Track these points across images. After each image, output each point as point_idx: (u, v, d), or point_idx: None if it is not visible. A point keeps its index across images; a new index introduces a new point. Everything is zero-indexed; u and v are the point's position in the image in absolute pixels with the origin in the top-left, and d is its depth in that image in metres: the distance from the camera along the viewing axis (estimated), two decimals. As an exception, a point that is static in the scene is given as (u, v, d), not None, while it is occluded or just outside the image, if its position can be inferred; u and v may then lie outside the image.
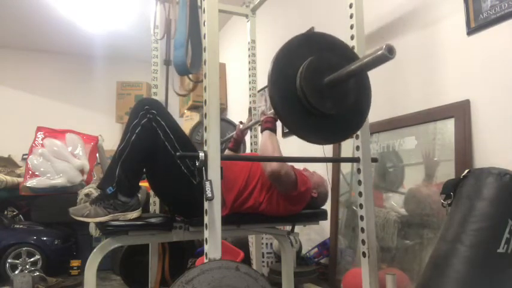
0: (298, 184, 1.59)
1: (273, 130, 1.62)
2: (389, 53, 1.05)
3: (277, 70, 1.27)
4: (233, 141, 2.16)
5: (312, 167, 1.94)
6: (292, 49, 1.31)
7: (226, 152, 2.17)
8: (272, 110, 1.62)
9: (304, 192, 1.63)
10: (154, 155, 1.51)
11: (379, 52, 1.07)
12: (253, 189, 1.61)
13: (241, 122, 2.30)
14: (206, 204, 1.23)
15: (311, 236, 2.75)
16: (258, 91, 2.63)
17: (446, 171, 1.74)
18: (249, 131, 2.48)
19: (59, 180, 3.20)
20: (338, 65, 1.28)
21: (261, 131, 1.66)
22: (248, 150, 2.53)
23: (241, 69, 3.76)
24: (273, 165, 1.51)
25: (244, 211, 1.61)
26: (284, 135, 3.11)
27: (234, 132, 2.19)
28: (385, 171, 2.10)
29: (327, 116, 1.30)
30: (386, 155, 2.10)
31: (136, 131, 1.48)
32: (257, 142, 2.48)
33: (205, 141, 1.27)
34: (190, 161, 1.51)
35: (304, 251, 2.54)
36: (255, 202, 1.60)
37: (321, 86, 1.27)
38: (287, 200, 1.61)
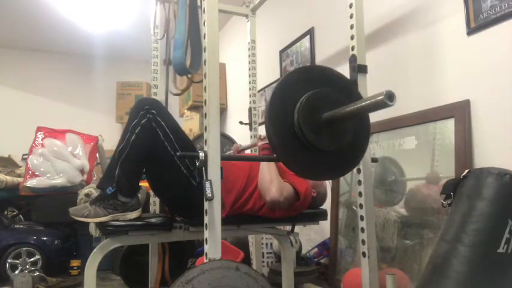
0: (300, 196, 1.59)
1: None
2: (389, 100, 1.03)
3: (274, 105, 1.24)
4: None
5: (312, 167, 1.94)
6: (290, 83, 1.28)
7: None
8: None
9: (305, 199, 1.63)
10: (154, 155, 1.51)
11: (379, 98, 1.05)
12: (253, 192, 1.61)
13: (241, 123, 2.30)
14: (206, 204, 1.23)
15: (311, 236, 2.75)
16: (258, 91, 2.64)
17: (446, 172, 1.74)
18: (249, 131, 2.49)
19: (59, 180, 3.19)
20: (336, 101, 1.26)
21: None
22: (247, 151, 2.53)
23: (241, 69, 3.76)
24: (272, 194, 1.51)
25: (244, 213, 1.61)
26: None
27: (231, 151, 2.20)
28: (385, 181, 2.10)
29: (324, 152, 1.28)
30: (386, 156, 2.10)
31: (136, 131, 1.47)
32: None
33: (205, 141, 1.27)
34: (189, 161, 1.51)
35: (304, 251, 2.54)
36: (253, 205, 1.60)
37: (319, 122, 1.24)
38: (288, 208, 1.61)
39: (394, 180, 2.05)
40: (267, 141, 1.61)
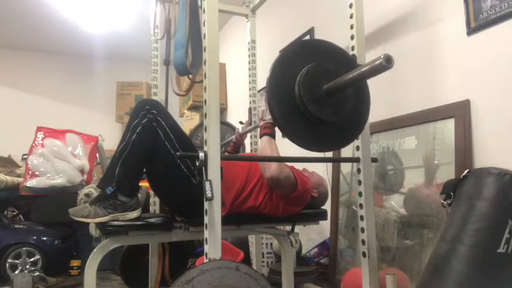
0: (298, 186, 1.58)
1: (272, 136, 1.62)
2: (387, 63, 1.05)
3: (275, 78, 1.25)
4: (232, 145, 2.16)
5: (312, 167, 1.94)
6: (290, 57, 1.29)
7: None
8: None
9: (304, 193, 1.63)
10: (155, 155, 1.51)
11: (377, 62, 1.07)
12: (252, 190, 1.61)
13: (241, 122, 2.29)
14: (206, 204, 1.23)
15: (311, 236, 2.75)
16: (258, 91, 2.63)
17: (446, 172, 1.74)
18: (248, 134, 2.48)
19: (59, 180, 3.19)
20: (336, 72, 1.27)
21: (260, 137, 1.66)
22: (248, 150, 2.53)
23: (241, 69, 3.76)
24: (272, 170, 1.50)
25: (244, 212, 1.61)
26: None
27: (234, 136, 2.19)
28: (385, 173, 2.10)
29: (326, 124, 1.29)
30: (386, 155, 2.10)
31: (137, 131, 1.48)
32: (257, 142, 2.48)
33: (205, 141, 1.27)
34: (190, 160, 1.51)
35: (304, 251, 2.53)
36: (254, 203, 1.60)
37: (319, 94, 1.26)
38: (287, 201, 1.61)
39: (393, 169, 2.05)
40: (269, 121, 1.62)
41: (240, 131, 2.19)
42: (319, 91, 1.27)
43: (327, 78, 1.27)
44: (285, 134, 1.29)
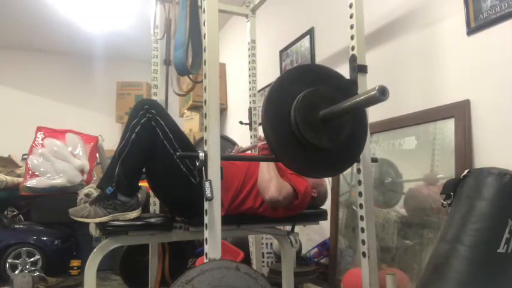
0: (299, 196, 1.59)
1: None
2: (381, 95, 1.04)
3: (271, 104, 1.24)
4: None
5: (312, 167, 1.94)
6: (286, 82, 1.28)
7: None
8: None
9: (305, 199, 1.63)
10: (154, 155, 1.51)
11: (372, 93, 1.06)
12: (251, 191, 1.61)
13: (241, 122, 2.29)
14: (206, 204, 1.23)
15: (311, 236, 2.75)
16: (258, 91, 2.63)
17: (446, 172, 1.74)
18: (249, 131, 2.49)
19: (59, 180, 3.19)
20: (333, 98, 1.26)
21: None
22: (248, 152, 2.53)
23: (241, 69, 3.76)
24: (271, 193, 1.50)
25: (243, 213, 1.61)
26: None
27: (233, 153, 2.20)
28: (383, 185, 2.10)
29: (322, 150, 1.28)
30: (384, 167, 2.10)
31: (136, 130, 1.48)
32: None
33: (205, 141, 1.27)
34: (189, 160, 1.51)
35: (304, 251, 2.53)
36: (253, 204, 1.60)
37: (315, 120, 1.25)
38: (287, 208, 1.61)
39: (391, 182, 2.05)
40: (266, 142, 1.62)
41: (239, 149, 2.19)
42: (316, 117, 1.25)
43: (323, 104, 1.26)
44: (280, 161, 1.28)
